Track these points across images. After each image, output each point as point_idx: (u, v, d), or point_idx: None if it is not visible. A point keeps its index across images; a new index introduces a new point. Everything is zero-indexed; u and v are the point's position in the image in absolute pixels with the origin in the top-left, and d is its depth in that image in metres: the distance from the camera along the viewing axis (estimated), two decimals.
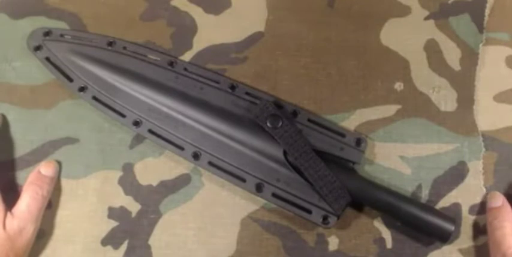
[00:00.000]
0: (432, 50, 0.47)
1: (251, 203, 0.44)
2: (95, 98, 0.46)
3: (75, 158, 0.46)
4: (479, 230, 0.43)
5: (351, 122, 0.46)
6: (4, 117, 0.47)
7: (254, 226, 0.44)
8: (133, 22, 0.49)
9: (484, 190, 0.44)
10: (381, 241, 0.43)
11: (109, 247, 0.44)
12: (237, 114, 0.45)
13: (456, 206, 0.44)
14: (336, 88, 0.47)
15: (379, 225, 0.44)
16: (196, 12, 0.49)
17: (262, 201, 0.44)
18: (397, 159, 0.45)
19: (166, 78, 0.46)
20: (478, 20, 0.48)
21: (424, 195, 0.44)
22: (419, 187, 0.44)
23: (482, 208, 0.43)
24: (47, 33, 0.48)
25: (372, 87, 0.47)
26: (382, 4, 0.49)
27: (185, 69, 0.47)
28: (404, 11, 0.49)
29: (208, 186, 0.45)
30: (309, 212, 0.42)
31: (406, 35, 0.48)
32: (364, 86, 0.47)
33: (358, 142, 0.43)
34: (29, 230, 0.42)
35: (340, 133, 0.44)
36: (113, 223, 0.44)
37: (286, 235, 0.44)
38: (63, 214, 0.45)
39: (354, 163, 0.43)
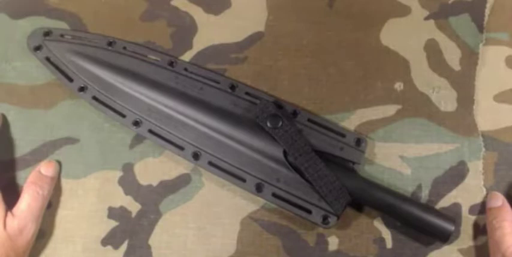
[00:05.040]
0: (432, 50, 0.47)
1: (251, 203, 0.44)
2: (95, 98, 0.46)
3: (75, 158, 0.46)
4: (479, 230, 0.43)
5: (351, 122, 0.46)
6: (4, 117, 0.47)
7: (254, 226, 0.44)
8: (133, 22, 0.49)
9: (484, 190, 0.44)
10: (381, 241, 0.43)
11: (109, 247, 0.44)
12: (237, 114, 0.45)
13: (456, 206, 0.44)
14: (336, 88, 0.47)
15: (379, 225, 0.44)
16: (196, 12, 0.49)
17: (262, 201, 0.44)
18: (397, 159, 0.45)
19: (166, 78, 0.46)
20: (478, 20, 0.48)
21: (424, 195, 0.44)
22: (419, 187, 0.44)
23: (482, 208, 0.43)
24: (47, 33, 0.48)
25: (372, 87, 0.47)
26: (382, 4, 0.49)
27: (185, 69, 0.47)
28: (404, 11, 0.49)
29: (208, 186, 0.45)
30: (309, 212, 0.42)
31: (406, 35, 0.48)
32: (364, 86, 0.47)
33: (358, 142, 0.43)
34: (30, 230, 0.42)
35: (340, 133, 0.44)
36: (113, 223, 0.44)
37: (286, 235, 0.44)
38: (63, 214, 0.45)
39: (354, 163, 0.43)
